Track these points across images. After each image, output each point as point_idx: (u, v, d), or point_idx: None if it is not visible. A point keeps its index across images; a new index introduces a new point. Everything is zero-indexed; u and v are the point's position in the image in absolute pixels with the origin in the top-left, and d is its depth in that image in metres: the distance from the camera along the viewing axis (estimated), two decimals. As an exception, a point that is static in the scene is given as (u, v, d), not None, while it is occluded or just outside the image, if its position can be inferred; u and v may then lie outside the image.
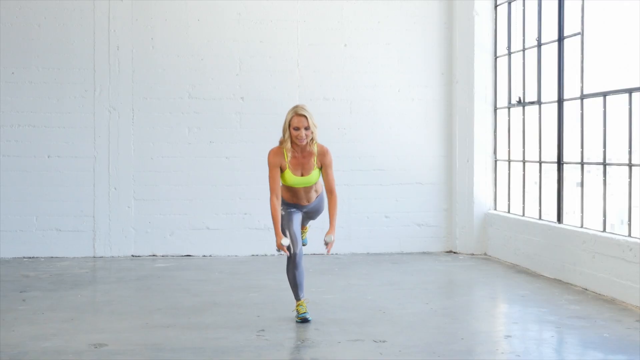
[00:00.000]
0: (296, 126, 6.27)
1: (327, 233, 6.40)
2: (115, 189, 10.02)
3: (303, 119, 6.27)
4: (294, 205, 6.56)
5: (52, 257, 9.90)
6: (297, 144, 6.33)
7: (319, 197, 6.62)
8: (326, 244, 6.40)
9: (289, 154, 6.35)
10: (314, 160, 6.40)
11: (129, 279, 8.51)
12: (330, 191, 6.48)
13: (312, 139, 6.37)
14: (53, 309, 6.97)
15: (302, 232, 6.94)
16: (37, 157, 9.94)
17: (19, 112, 9.92)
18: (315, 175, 6.42)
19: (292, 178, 6.38)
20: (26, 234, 9.91)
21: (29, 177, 9.92)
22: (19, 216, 9.90)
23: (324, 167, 6.44)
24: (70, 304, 7.21)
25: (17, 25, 9.92)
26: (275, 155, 6.38)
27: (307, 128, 6.28)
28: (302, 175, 6.40)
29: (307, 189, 6.49)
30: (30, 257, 9.89)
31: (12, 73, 9.91)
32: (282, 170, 6.40)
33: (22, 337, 5.96)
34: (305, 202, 6.55)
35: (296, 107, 6.35)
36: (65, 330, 6.19)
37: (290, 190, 6.48)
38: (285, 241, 6.34)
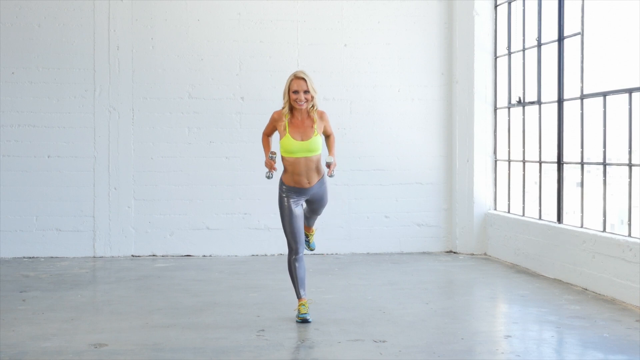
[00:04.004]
0: (295, 89, 6.33)
1: (328, 155, 6.54)
2: (115, 189, 10.02)
3: (302, 82, 6.33)
4: (295, 190, 6.47)
5: (52, 257, 9.91)
6: (296, 108, 6.36)
7: (321, 181, 6.53)
8: (328, 165, 6.46)
9: (289, 119, 6.40)
10: (315, 127, 6.41)
11: (129, 279, 8.51)
12: (328, 135, 6.66)
13: (312, 106, 6.40)
14: (53, 309, 6.97)
15: (309, 235, 6.94)
16: (37, 157, 9.94)
17: (19, 112, 9.92)
18: (315, 142, 6.39)
19: (292, 143, 6.36)
20: (26, 234, 9.91)
21: (29, 177, 9.92)
22: (19, 216, 9.90)
23: (325, 128, 6.56)
24: (70, 304, 7.21)
25: (17, 25, 9.93)
26: (278, 115, 6.49)
27: (306, 92, 6.33)
28: (301, 140, 6.38)
29: (308, 163, 6.40)
30: (30, 257, 9.89)
31: (12, 73, 9.91)
32: (281, 137, 6.43)
33: (22, 337, 5.96)
34: (306, 182, 6.44)
35: (296, 71, 6.43)
36: (65, 330, 6.19)
37: (290, 164, 6.41)
38: (272, 154, 6.45)
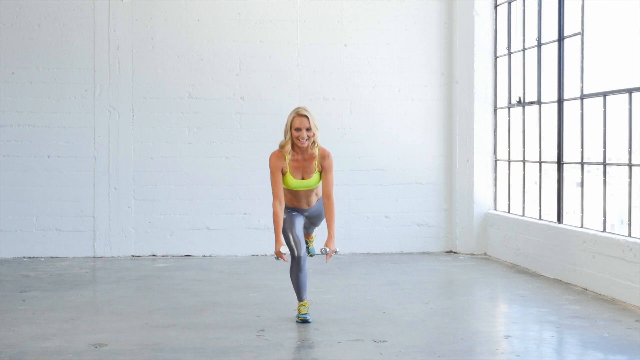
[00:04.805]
0: (297, 127, 6.22)
1: (325, 243, 6.29)
2: (115, 189, 10.02)
3: (305, 119, 6.23)
4: (295, 209, 6.54)
5: (52, 257, 9.91)
6: (298, 145, 6.29)
7: (320, 201, 6.57)
8: (324, 253, 6.29)
9: (290, 157, 6.32)
10: (315, 164, 6.35)
11: (129, 279, 8.51)
12: (327, 196, 6.36)
13: (313, 142, 6.31)
14: (53, 309, 6.97)
15: (309, 242, 6.94)
16: (37, 157, 9.94)
17: (19, 112, 9.92)
18: (315, 179, 6.38)
19: (293, 181, 6.34)
20: (26, 234, 9.91)
21: (29, 177, 9.92)
22: (19, 216, 9.90)
23: (323, 171, 6.36)
24: (70, 304, 7.21)
25: (17, 25, 9.93)
26: (276, 159, 6.31)
27: (308, 129, 6.23)
28: (302, 178, 6.36)
29: (308, 193, 6.45)
30: (30, 257, 9.89)
31: (12, 73, 9.91)
32: (282, 174, 6.35)
33: (22, 337, 5.96)
34: (305, 206, 6.52)
35: (298, 108, 6.32)
36: (65, 330, 6.19)
37: (290, 192, 6.45)
38: (284, 249, 6.29)
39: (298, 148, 6.32)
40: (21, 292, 7.77)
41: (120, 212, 10.03)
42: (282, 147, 6.32)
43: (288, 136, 6.28)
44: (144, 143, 10.08)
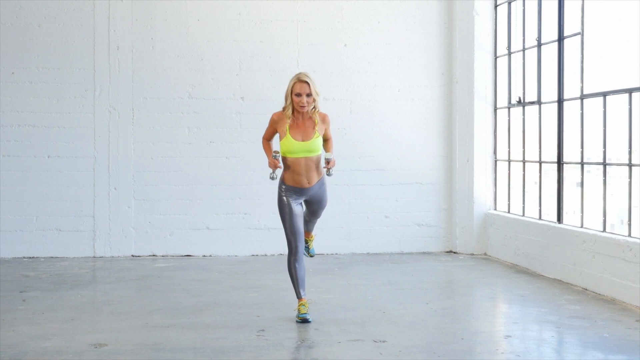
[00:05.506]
0: (298, 92, 6.33)
1: (328, 152, 6.55)
2: (115, 189, 10.02)
3: (305, 85, 6.33)
4: (295, 190, 6.49)
5: (52, 257, 9.91)
6: (298, 110, 6.38)
7: (321, 182, 6.54)
8: (327, 161, 6.46)
9: (290, 121, 6.42)
10: (317, 129, 6.44)
11: (129, 279, 8.51)
12: (327, 139, 6.65)
13: (314, 108, 6.43)
14: (53, 309, 6.97)
15: (309, 241, 6.95)
16: (37, 157, 9.94)
17: (19, 112, 9.92)
18: (316, 143, 6.42)
19: (293, 143, 6.38)
20: (26, 234, 9.91)
21: (29, 177, 9.92)
22: (19, 216, 9.90)
23: (325, 130, 6.56)
24: (70, 304, 7.21)
25: (17, 25, 9.93)
26: (277, 117, 6.51)
27: (309, 95, 6.35)
28: (302, 140, 6.41)
29: (308, 163, 6.42)
30: (30, 257, 9.89)
31: (12, 73, 9.91)
32: (282, 137, 6.44)
33: (22, 337, 5.97)
34: (306, 182, 6.46)
35: (299, 74, 6.43)
36: (65, 330, 6.19)
37: (291, 163, 6.43)
38: (275, 153, 6.48)
39: (298, 113, 6.44)
40: (21, 292, 7.77)
41: (120, 212, 10.03)
42: (284, 110, 6.49)
43: (289, 101, 6.40)
44: (144, 143, 10.08)
